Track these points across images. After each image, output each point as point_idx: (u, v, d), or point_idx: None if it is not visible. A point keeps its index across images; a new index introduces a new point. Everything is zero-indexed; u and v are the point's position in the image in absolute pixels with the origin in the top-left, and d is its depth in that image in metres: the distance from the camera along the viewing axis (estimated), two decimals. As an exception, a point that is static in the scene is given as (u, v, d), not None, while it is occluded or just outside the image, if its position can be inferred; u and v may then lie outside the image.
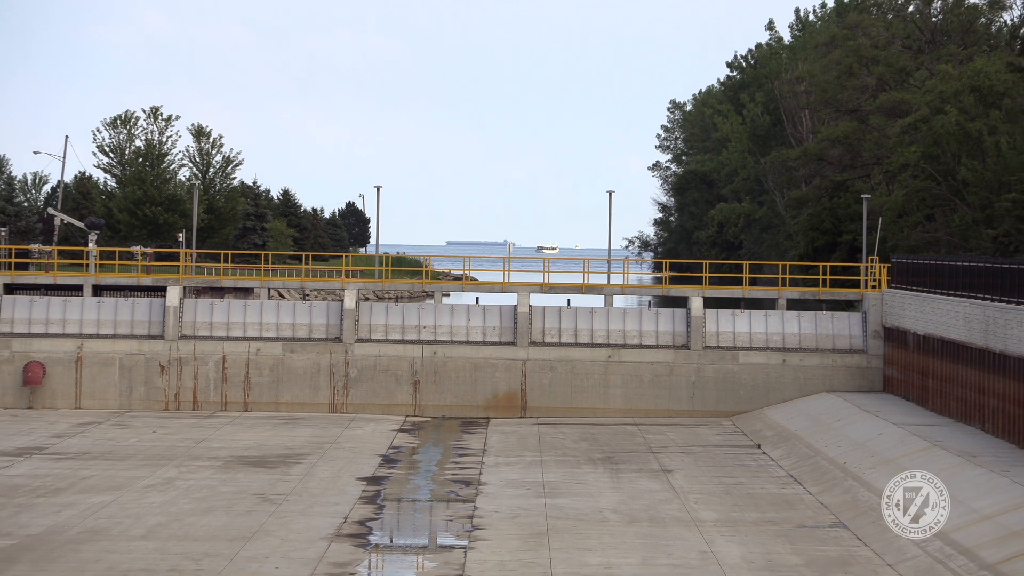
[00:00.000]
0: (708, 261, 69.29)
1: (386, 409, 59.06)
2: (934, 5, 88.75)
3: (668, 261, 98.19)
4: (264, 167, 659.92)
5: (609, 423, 57.15)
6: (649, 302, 70.90)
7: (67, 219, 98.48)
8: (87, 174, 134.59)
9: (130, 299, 60.44)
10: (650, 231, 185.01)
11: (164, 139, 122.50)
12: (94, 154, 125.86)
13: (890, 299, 58.27)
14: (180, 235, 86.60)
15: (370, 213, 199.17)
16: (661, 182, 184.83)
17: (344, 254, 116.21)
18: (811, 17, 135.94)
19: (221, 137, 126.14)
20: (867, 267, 62.13)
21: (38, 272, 65.33)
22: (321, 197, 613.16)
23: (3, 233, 76.53)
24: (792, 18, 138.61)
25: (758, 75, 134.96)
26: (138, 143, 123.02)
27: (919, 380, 53.62)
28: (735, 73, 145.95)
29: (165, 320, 59.45)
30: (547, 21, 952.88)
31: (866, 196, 69.16)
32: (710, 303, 60.90)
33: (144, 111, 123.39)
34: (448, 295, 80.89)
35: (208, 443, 50.35)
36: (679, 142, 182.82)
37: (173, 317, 59.39)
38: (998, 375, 44.56)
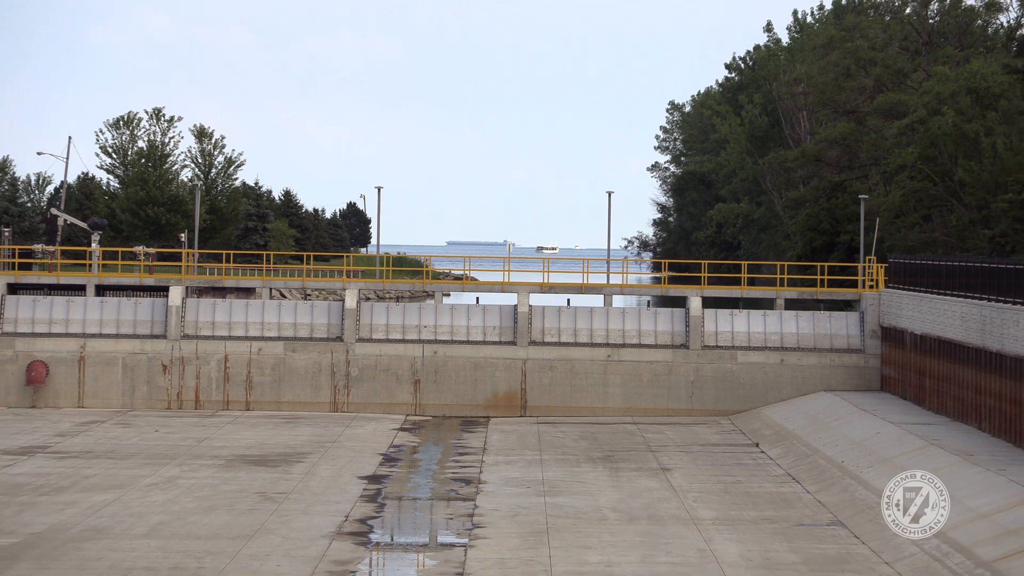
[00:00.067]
0: (707, 261, 69.54)
1: (387, 408, 59.34)
2: (931, 7, 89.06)
3: (667, 261, 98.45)
4: (264, 167, 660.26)
5: (608, 422, 57.40)
6: (648, 302, 71.20)
7: (70, 219, 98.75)
8: (90, 175, 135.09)
9: (133, 299, 60.72)
10: (649, 231, 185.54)
11: (166, 140, 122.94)
12: (97, 155, 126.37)
13: (887, 299, 58.54)
14: (182, 235, 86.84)
15: (371, 213, 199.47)
16: (660, 183, 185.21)
17: (345, 254, 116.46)
18: (809, 19, 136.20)
19: (223, 138, 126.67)
20: (865, 267, 62.40)
21: (41, 272, 65.60)
22: (321, 197, 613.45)
23: (7, 233, 76.85)
24: (790, 20, 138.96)
25: (756, 76, 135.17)
26: (141, 144, 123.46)
27: (916, 379, 53.88)
28: (733, 74, 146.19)
29: (167, 320, 59.74)
30: (547, 21, 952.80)
31: (864, 197, 69.43)
32: (709, 303, 61.16)
33: (147, 112, 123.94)
34: (448, 295, 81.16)
35: (210, 442, 50.61)
36: (678, 143, 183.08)
37: (175, 317, 59.68)
38: (994, 374, 44.80)
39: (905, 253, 65.93)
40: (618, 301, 66.84)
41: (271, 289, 63.17)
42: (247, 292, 65.23)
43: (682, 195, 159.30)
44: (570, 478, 44.43)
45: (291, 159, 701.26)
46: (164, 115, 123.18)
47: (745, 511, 39.38)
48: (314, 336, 60.28)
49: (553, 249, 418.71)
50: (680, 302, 62.14)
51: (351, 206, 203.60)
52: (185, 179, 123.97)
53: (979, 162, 68.90)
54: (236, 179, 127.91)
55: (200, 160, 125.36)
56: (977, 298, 47.34)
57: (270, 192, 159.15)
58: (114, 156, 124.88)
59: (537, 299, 62.33)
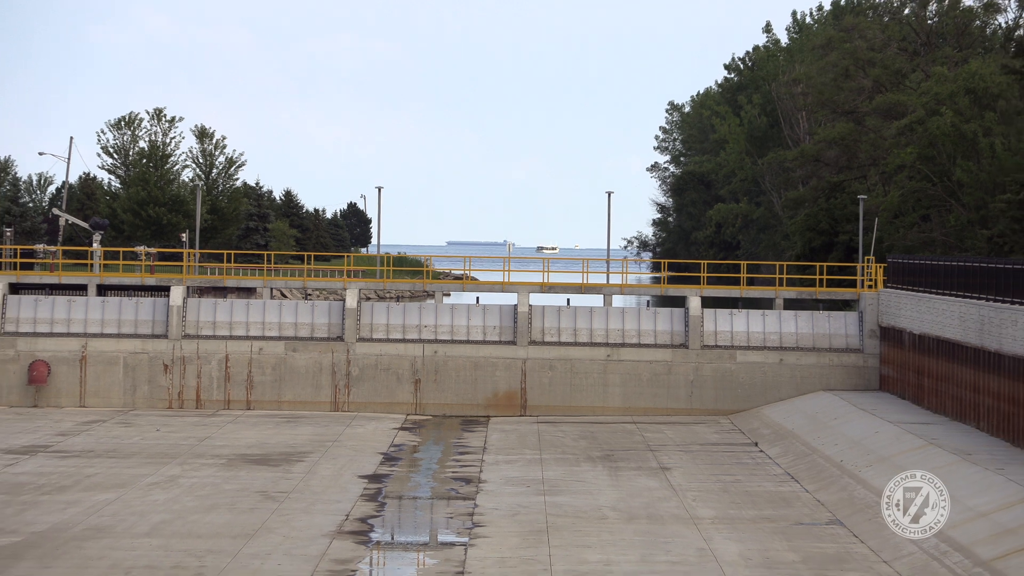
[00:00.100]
0: (706, 261, 69.69)
1: (387, 408, 59.50)
2: (929, 8, 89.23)
3: (666, 261, 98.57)
4: (264, 167, 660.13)
5: (608, 421, 57.55)
6: (648, 302, 71.36)
7: (72, 219, 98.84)
8: (91, 175, 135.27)
9: (134, 299, 60.88)
10: (649, 231, 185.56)
11: (168, 140, 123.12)
12: (98, 155, 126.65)
13: (886, 299, 58.70)
14: (183, 235, 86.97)
15: (371, 213, 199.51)
16: (659, 183, 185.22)
17: (346, 254, 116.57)
18: (808, 20, 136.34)
19: (224, 138, 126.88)
20: (863, 267, 62.55)
21: (43, 272, 65.74)
22: (321, 197, 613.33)
23: (8, 233, 76.98)
24: (789, 21, 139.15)
25: (755, 77, 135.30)
26: (142, 144, 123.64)
27: (915, 379, 54.03)
28: (733, 75, 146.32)
29: (169, 319, 59.90)
30: (547, 21, 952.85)
31: (862, 197, 69.62)
32: (708, 303, 61.31)
33: (148, 112, 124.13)
34: (448, 295, 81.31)
35: (211, 441, 50.76)
36: (677, 143, 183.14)
37: (176, 316, 59.84)
38: (993, 374, 44.93)
39: (904, 253, 66.12)
40: (618, 301, 66.99)
41: (272, 289, 63.34)
42: (248, 292, 65.40)
43: (681, 195, 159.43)
44: (570, 477, 44.57)
45: (291, 159, 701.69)
46: (165, 116, 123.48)
47: (744, 510, 39.51)
48: (315, 336, 60.44)
49: (553, 249, 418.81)
50: (679, 302, 62.30)
51: (351, 206, 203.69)
52: (186, 179, 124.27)
53: (977, 162, 69.08)
54: (237, 179, 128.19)
55: (201, 160, 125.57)
56: (975, 298, 47.49)
57: (271, 192, 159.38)
58: (115, 156, 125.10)
59: (537, 299, 62.50)
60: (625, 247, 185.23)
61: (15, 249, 66.93)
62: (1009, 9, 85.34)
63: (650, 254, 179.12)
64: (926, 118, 72.69)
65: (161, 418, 56.52)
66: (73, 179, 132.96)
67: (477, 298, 63.91)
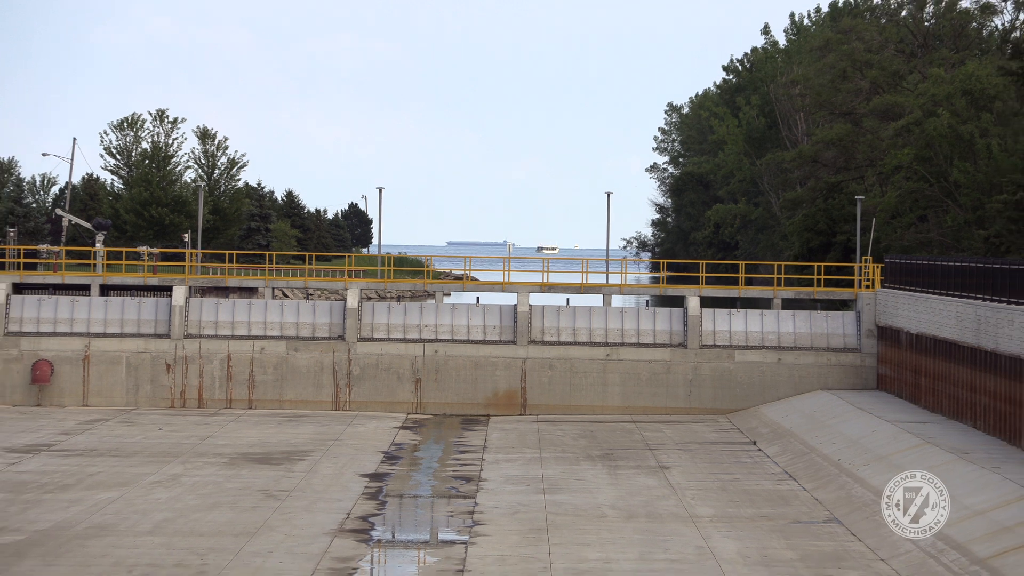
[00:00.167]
0: (705, 261, 69.91)
1: (388, 407, 59.78)
2: (927, 10, 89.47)
3: (665, 261, 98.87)
4: (265, 167, 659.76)
5: (607, 421, 57.80)
6: (647, 301, 71.60)
7: (75, 220, 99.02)
8: (94, 176, 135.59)
9: (136, 298, 61.15)
10: (648, 232, 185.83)
11: (170, 141, 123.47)
12: (101, 156, 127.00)
13: (883, 299, 58.97)
14: (186, 236, 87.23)
15: (372, 214, 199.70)
16: (658, 183, 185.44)
17: (347, 254, 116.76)
18: (806, 21, 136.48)
19: (226, 139, 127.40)
20: (861, 267, 62.80)
21: (46, 272, 65.99)
22: (321, 197, 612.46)
23: (12, 234, 77.16)
24: (787, 22, 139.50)
25: (754, 78, 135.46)
26: (144, 145, 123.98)
27: (912, 378, 54.28)
28: (731, 76, 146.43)
29: (171, 319, 60.19)
30: (547, 22, 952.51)
31: (860, 197, 69.88)
32: (707, 302, 61.56)
33: (150, 113, 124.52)
34: (449, 295, 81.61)
35: (213, 440, 51.01)
36: (676, 144, 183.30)
37: (179, 316, 60.13)
38: (989, 373, 45.15)
39: (901, 253, 66.38)
40: (617, 301, 67.26)
41: (273, 289, 63.63)
42: (250, 292, 65.72)
43: (680, 196, 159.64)
44: (569, 476, 44.79)
45: (291, 159, 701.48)
46: (168, 117, 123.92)
47: (743, 509, 39.71)
48: (316, 335, 60.72)
49: (553, 249, 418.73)
50: (678, 302, 62.57)
51: (352, 206, 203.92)
52: (188, 180, 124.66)
53: (974, 163, 69.35)
54: (239, 180, 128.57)
55: (203, 161, 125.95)
56: (972, 298, 47.73)
57: (272, 193, 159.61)
58: (118, 157, 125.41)
59: (537, 299, 62.78)
60: (624, 247, 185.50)
61: (19, 249, 67.15)
62: (1005, 11, 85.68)
63: (649, 254, 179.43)
64: (923, 119, 72.93)
65: (163, 417, 56.77)
66: (76, 180, 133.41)
67: (477, 298, 64.18)
